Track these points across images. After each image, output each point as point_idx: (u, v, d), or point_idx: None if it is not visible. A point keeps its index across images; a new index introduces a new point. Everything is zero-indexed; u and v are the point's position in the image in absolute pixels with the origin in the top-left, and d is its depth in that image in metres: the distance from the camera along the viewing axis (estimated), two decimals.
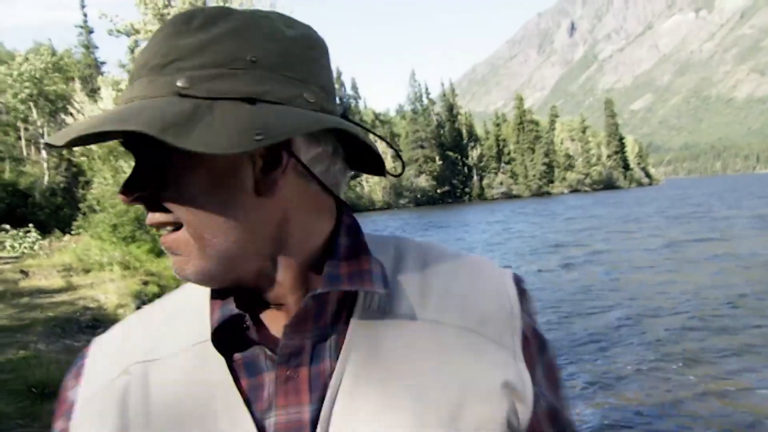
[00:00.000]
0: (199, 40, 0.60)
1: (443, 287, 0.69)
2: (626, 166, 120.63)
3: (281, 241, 0.64)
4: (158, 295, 13.97)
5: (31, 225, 22.93)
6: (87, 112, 26.62)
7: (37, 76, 32.94)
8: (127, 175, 0.64)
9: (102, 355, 0.71)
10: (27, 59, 34.00)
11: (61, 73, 35.70)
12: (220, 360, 0.65)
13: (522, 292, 0.72)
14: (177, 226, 0.63)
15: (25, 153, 34.69)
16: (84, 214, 22.01)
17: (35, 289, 12.26)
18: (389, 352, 0.64)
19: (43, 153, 33.43)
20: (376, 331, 0.65)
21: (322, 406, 0.62)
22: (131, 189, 0.63)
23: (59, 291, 12.26)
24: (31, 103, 32.82)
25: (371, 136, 0.72)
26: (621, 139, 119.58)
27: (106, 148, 23.20)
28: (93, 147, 24.57)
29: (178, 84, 0.59)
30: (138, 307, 11.96)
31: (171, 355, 0.67)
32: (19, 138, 34.90)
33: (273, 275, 0.65)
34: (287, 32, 0.64)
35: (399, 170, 0.77)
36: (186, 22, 0.61)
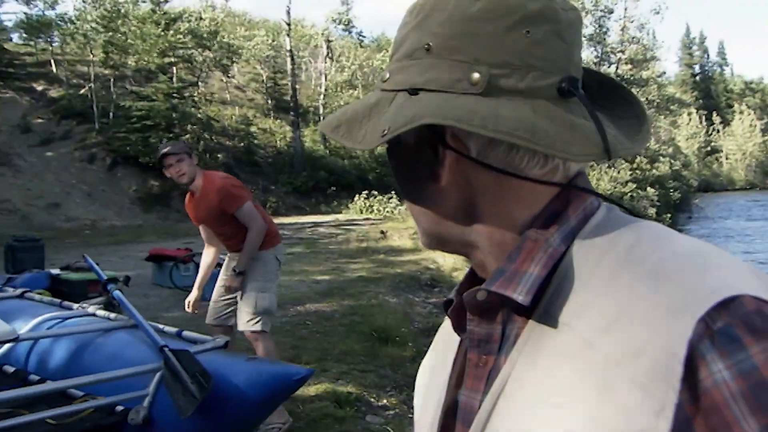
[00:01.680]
0: (403, 32, 0.63)
1: (616, 302, 0.54)
2: None
3: (472, 226, 0.64)
4: None
5: (393, 192, 26.33)
6: None
7: None
8: None
9: None
10: None
11: None
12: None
13: (720, 331, 0.49)
14: None
15: None
16: None
17: (389, 248, 14.17)
18: (544, 361, 0.57)
19: None
20: (541, 334, 0.58)
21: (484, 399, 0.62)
22: None
23: (407, 251, 13.94)
24: None
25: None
26: None
27: None
28: None
29: (384, 78, 0.64)
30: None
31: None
32: None
33: (477, 260, 0.67)
34: (470, 8, 0.58)
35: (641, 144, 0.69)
36: (408, 14, 0.64)
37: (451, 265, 12.60)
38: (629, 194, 18.04)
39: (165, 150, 3.84)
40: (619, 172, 18.07)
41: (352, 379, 4.68)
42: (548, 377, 0.56)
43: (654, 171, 20.48)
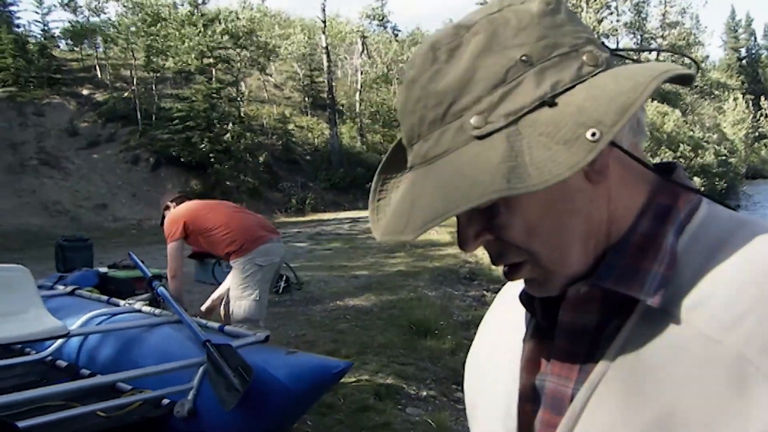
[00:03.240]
0: (460, 72, 0.57)
1: (740, 300, 0.54)
2: None
3: (608, 224, 0.61)
4: None
5: None
6: None
7: None
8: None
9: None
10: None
11: None
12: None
13: None
14: (527, 257, 0.61)
15: None
16: None
17: (428, 242, 14.16)
18: (652, 359, 0.56)
19: None
20: (650, 329, 0.57)
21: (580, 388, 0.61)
22: (470, 240, 0.61)
23: (446, 245, 13.91)
24: None
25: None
26: None
27: None
28: None
29: (473, 124, 0.55)
30: None
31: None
32: None
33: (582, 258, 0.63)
34: (531, 8, 0.58)
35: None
36: (432, 62, 0.58)
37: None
38: None
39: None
40: (662, 161, 17.68)
41: (392, 371, 4.72)
42: (659, 371, 0.55)
43: (699, 159, 19.92)
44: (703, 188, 18.39)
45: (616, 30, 29.46)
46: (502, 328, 0.75)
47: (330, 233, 17.10)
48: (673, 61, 0.64)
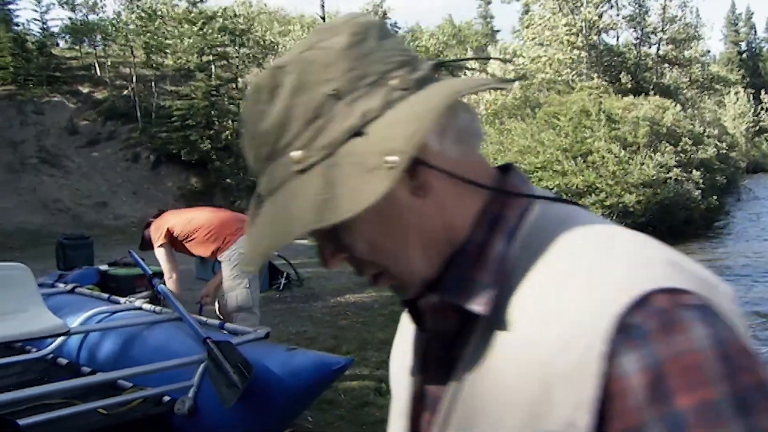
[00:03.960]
0: (278, 111, 0.59)
1: (552, 299, 0.56)
2: None
3: (446, 233, 0.63)
4: None
5: None
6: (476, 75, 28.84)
7: (440, 49, 36.88)
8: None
9: None
10: (432, 35, 38.31)
11: (460, 44, 39.26)
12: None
13: (633, 326, 0.51)
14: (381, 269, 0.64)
15: None
16: None
17: None
18: (494, 360, 0.58)
19: None
20: (492, 333, 0.59)
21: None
22: (329, 259, 0.65)
23: None
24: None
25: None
26: None
27: (492, 110, 24.88)
28: (481, 110, 26.65)
29: (294, 159, 0.58)
30: None
31: None
32: None
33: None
34: (337, 43, 0.60)
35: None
36: (256, 103, 0.61)
37: None
38: (674, 179, 17.60)
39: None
40: (663, 156, 17.64)
41: None
42: (498, 375, 0.57)
43: (699, 153, 19.90)
44: (703, 183, 18.47)
45: (616, 24, 29.36)
46: (408, 329, 0.76)
47: None
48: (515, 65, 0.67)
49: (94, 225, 17.05)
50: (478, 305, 0.59)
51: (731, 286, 0.58)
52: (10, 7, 25.92)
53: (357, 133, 0.57)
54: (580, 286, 0.54)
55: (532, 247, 0.59)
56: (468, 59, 0.76)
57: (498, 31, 53.01)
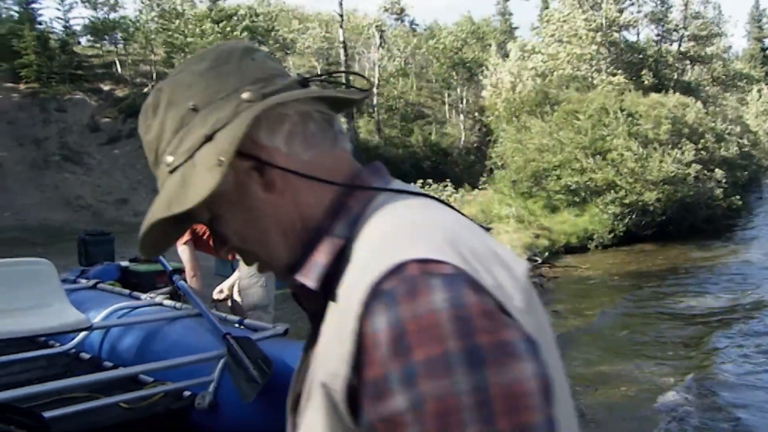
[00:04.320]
0: (157, 125, 0.73)
1: (353, 272, 0.65)
2: None
3: (301, 222, 0.73)
4: (548, 249, 14.44)
5: (448, 180, 26.20)
6: (497, 73, 28.72)
7: (458, 46, 36.72)
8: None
9: None
10: (451, 32, 38.18)
11: (479, 41, 39.09)
12: None
13: (385, 292, 0.58)
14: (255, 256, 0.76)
15: (447, 116, 39.41)
16: (490, 170, 24.07)
17: None
18: (319, 339, 0.69)
19: (461, 116, 37.42)
20: (326, 312, 0.68)
21: None
22: (219, 249, 0.78)
23: None
24: (453, 71, 36.85)
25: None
26: None
27: (510, 108, 24.73)
28: (500, 108, 26.52)
29: (167, 162, 0.71)
30: (528, 260, 12.80)
31: None
32: (443, 103, 39.79)
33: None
34: (200, 67, 0.73)
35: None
36: (145, 118, 0.75)
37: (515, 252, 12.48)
38: (694, 176, 17.36)
39: None
40: (683, 153, 17.41)
41: None
42: (320, 347, 0.67)
43: (721, 151, 19.62)
44: (725, 181, 18.19)
45: (637, 21, 29.03)
46: None
47: None
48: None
49: (114, 221, 17.26)
50: (311, 281, 0.68)
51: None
52: (34, 6, 26.28)
53: (208, 138, 0.69)
54: (362, 261, 0.63)
55: (364, 231, 0.68)
56: (332, 73, 0.90)
57: (516, 28, 52.68)
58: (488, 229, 0.74)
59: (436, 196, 0.73)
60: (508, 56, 31.83)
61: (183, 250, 4.18)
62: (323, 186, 0.72)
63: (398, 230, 0.64)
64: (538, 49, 28.36)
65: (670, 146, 17.73)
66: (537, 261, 13.10)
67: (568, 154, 17.79)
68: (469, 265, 0.59)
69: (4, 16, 28.29)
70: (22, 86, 22.85)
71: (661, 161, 17.06)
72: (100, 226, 12.41)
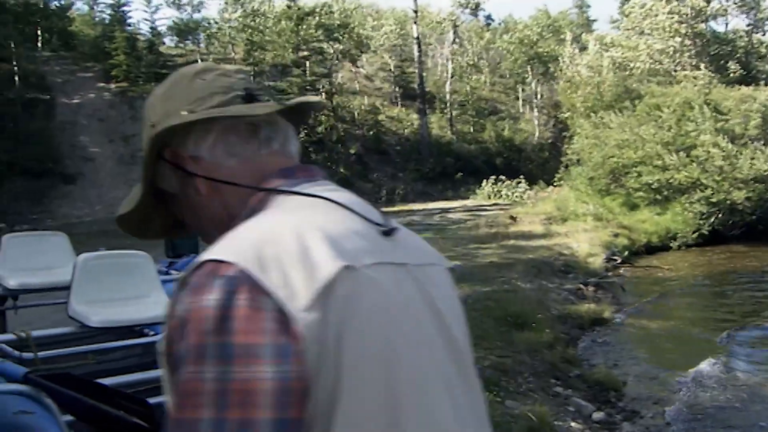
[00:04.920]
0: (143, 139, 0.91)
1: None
2: None
3: (228, 218, 0.84)
4: (628, 248, 13.93)
5: (521, 176, 25.79)
6: (574, 67, 27.97)
7: (534, 40, 36.01)
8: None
9: None
10: (526, 26, 37.48)
11: (555, 35, 38.19)
12: None
13: (187, 284, 0.67)
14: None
15: (521, 111, 38.77)
16: (566, 166, 23.49)
17: (520, 234, 13.94)
18: None
19: (535, 111, 36.72)
20: None
21: None
22: (181, 227, 0.96)
23: (539, 236, 13.63)
24: (528, 66, 36.19)
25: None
26: None
27: (588, 104, 24.04)
28: (577, 104, 25.81)
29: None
30: (608, 259, 12.43)
31: None
32: (517, 98, 39.14)
33: None
34: (160, 90, 0.90)
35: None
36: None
37: (586, 251, 12.17)
38: None
39: None
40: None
41: (490, 363, 4.69)
42: None
43: None
44: None
45: (726, 10, 27.61)
46: None
47: (420, 223, 17.14)
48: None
49: None
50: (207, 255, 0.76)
51: None
52: (124, 8, 27.62)
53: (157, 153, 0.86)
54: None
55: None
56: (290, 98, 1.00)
57: (594, 20, 51.23)
58: (389, 232, 0.78)
59: (330, 197, 0.78)
60: (585, 50, 30.97)
61: None
62: (243, 189, 0.83)
63: (235, 231, 0.74)
64: (618, 41, 27.41)
65: (763, 142, 16.79)
66: (616, 260, 12.68)
67: (650, 151, 17.13)
68: (261, 267, 0.65)
69: (97, 19, 29.87)
70: (112, 85, 24.09)
71: (752, 158, 16.19)
72: None
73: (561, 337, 5.88)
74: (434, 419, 0.69)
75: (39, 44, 24.87)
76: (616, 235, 14.49)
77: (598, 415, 4.24)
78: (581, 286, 9.53)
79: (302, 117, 0.94)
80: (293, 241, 0.69)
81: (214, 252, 0.68)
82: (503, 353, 5.06)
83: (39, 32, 25.08)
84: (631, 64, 25.27)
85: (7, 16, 20.46)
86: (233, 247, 0.68)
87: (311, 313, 0.63)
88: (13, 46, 19.29)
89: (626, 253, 13.46)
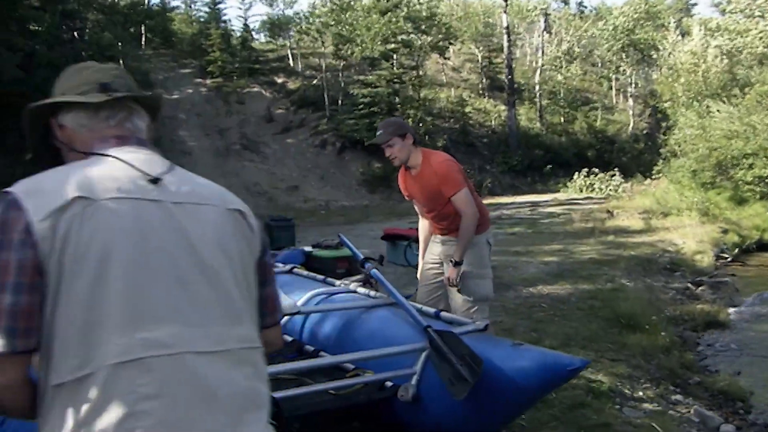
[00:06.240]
0: None
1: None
2: None
3: None
4: (737, 245, 13.03)
5: (615, 169, 24.70)
6: (675, 54, 26.45)
7: (629, 26, 34.34)
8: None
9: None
10: (622, 12, 35.81)
11: (652, 21, 36.30)
12: None
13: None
14: None
15: (614, 101, 37.17)
16: (665, 158, 22.30)
17: (618, 229, 13.29)
18: None
19: (630, 101, 35.07)
20: None
21: None
22: None
23: (639, 232, 12.96)
24: (623, 54, 34.59)
25: None
26: None
27: (691, 93, 22.68)
28: (678, 92, 24.40)
29: None
30: (717, 257, 11.62)
31: None
32: (611, 88, 37.54)
33: None
34: (62, 77, 1.30)
35: None
36: None
37: (693, 248, 11.45)
38: None
39: (375, 141, 3.81)
40: None
41: (602, 367, 4.41)
42: None
43: None
44: None
45: None
46: None
47: (511, 217, 16.73)
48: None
49: (287, 207, 18.29)
50: None
51: None
52: (219, 6, 28.55)
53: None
54: None
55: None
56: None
57: (695, 4, 48.39)
58: (155, 180, 1.15)
59: (118, 156, 1.16)
60: (686, 35, 29.20)
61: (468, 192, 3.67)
62: (87, 149, 1.21)
63: (38, 174, 1.10)
64: (726, 25, 25.63)
65: None
66: (726, 258, 11.86)
67: (764, 141, 15.92)
68: (26, 194, 1.04)
69: (194, 16, 31.07)
70: (208, 81, 24.96)
71: None
72: (275, 212, 13.17)
73: (677, 341, 5.50)
74: (142, 296, 1.03)
75: (142, 43, 26.13)
76: (725, 231, 13.56)
77: (727, 428, 3.89)
78: (689, 285, 8.95)
79: (151, 104, 1.32)
80: (57, 180, 1.06)
81: (13, 185, 1.05)
82: (616, 357, 4.77)
83: (143, 31, 26.35)
84: (741, 50, 23.54)
85: (117, 17, 21.57)
86: (22, 183, 1.06)
87: (43, 223, 1.01)
88: (120, 45, 20.32)
89: (736, 250, 12.58)
